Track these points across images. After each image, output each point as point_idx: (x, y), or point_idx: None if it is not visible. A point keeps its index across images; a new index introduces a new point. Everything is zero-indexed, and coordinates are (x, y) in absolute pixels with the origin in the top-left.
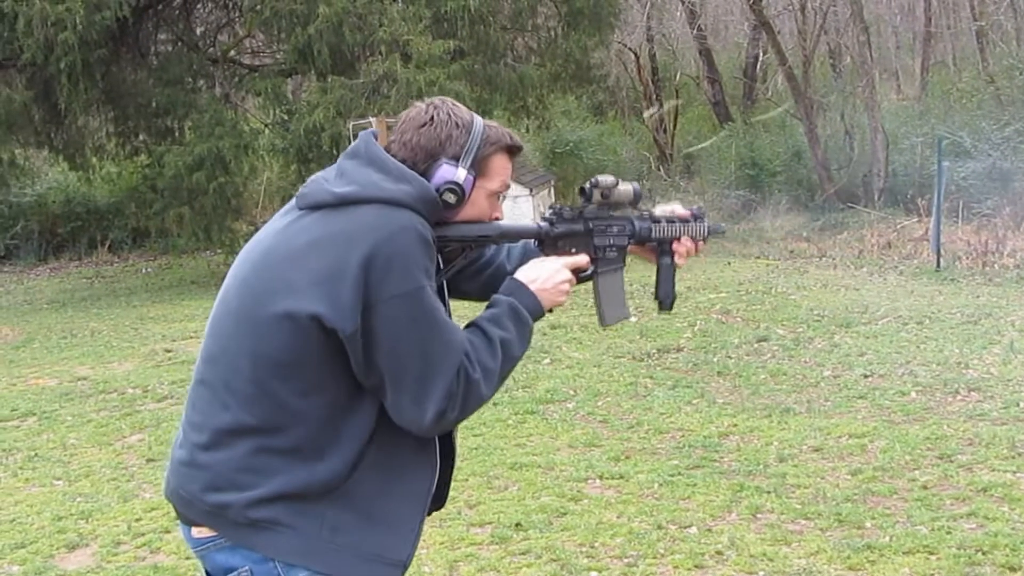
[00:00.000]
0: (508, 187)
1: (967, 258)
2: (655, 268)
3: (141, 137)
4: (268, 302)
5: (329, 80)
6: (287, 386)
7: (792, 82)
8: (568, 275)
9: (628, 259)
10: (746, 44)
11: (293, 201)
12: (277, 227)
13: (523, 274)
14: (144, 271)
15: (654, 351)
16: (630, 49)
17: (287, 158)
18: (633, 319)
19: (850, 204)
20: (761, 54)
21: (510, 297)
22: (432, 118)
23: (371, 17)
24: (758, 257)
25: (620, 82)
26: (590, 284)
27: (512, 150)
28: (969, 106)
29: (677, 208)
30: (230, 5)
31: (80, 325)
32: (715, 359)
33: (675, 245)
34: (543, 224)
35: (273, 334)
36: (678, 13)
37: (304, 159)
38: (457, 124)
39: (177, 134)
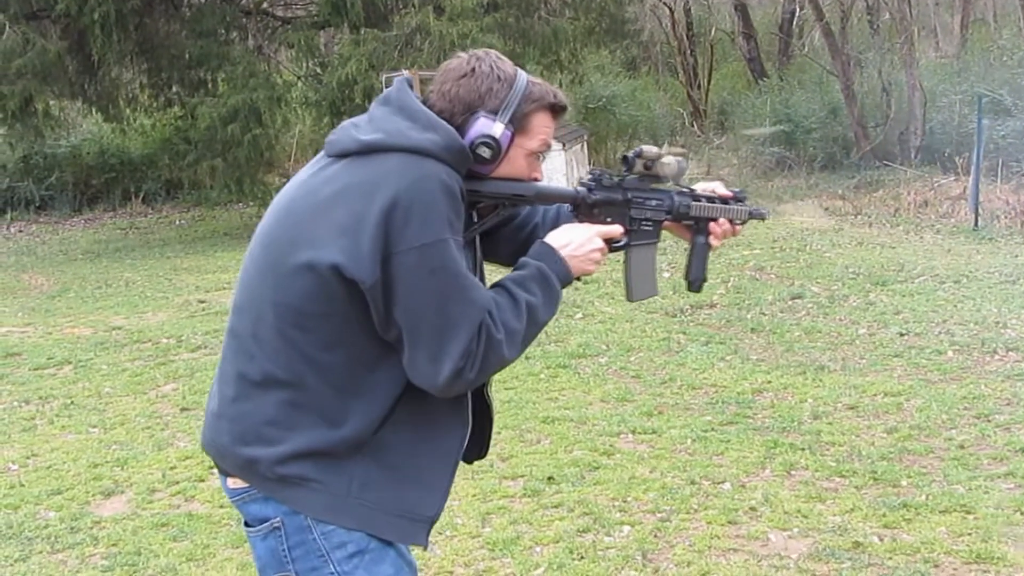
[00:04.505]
0: (549, 147)
1: (1006, 217)
2: (689, 246)
3: (174, 89)
4: (291, 253)
5: (362, 32)
6: (309, 338)
7: (829, 38)
8: (600, 244)
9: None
10: None
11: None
12: (304, 177)
13: (554, 239)
14: (178, 223)
15: (687, 307)
16: (665, 3)
17: (320, 111)
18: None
19: (886, 162)
20: (798, 9)
21: (539, 261)
22: (473, 69)
23: None
24: (792, 214)
25: (654, 37)
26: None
27: (556, 109)
28: (1010, 63)
29: (718, 187)
30: None
31: (114, 276)
32: (749, 316)
33: (712, 225)
34: (581, 189)
35: (295, 285)
36: None
37: (337, 112)
38: (499, 78)
39: (210, 86)
